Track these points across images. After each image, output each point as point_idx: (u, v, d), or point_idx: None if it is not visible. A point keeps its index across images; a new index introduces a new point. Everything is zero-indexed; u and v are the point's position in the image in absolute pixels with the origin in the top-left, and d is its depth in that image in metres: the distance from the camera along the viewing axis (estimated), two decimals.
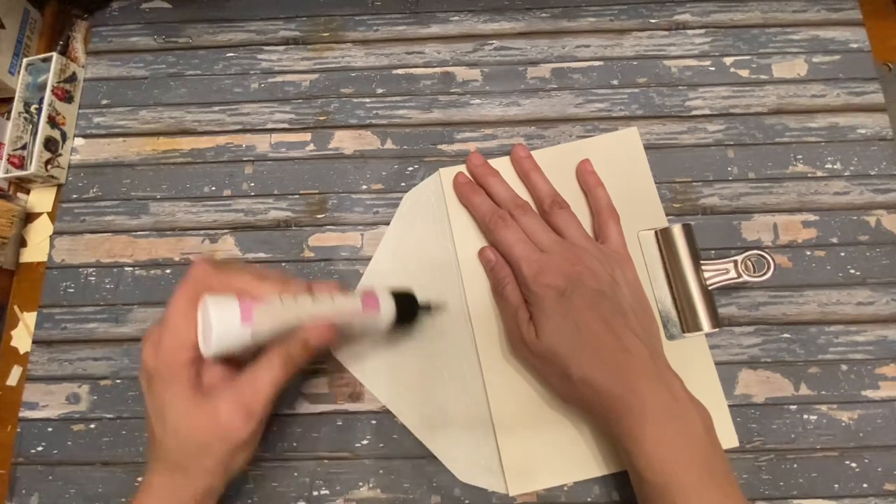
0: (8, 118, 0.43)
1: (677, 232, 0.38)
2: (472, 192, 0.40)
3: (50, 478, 0.37)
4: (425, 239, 0.40)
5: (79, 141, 0.44)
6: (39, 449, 0.38)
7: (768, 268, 0.36)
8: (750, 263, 0.37)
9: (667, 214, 0.40)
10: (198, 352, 0.29)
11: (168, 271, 0.41)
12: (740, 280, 0.36)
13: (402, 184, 0.42)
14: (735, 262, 0.37)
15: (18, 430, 0.38)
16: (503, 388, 0.37)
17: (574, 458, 0.36)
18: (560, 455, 0.36)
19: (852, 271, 0.39)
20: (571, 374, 0.32)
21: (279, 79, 0.45)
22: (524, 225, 0.37)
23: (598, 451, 0.36)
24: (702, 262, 0.37)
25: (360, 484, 0.36)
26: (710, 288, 0.37)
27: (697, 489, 0.29)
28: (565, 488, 0.36)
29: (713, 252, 0.40)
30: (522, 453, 0.36)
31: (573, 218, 0.37)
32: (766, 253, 0.37)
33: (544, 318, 0.33)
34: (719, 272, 0.37)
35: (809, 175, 0.41)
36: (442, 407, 0.37)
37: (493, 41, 0.45)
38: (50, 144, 0.42)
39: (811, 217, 0.40)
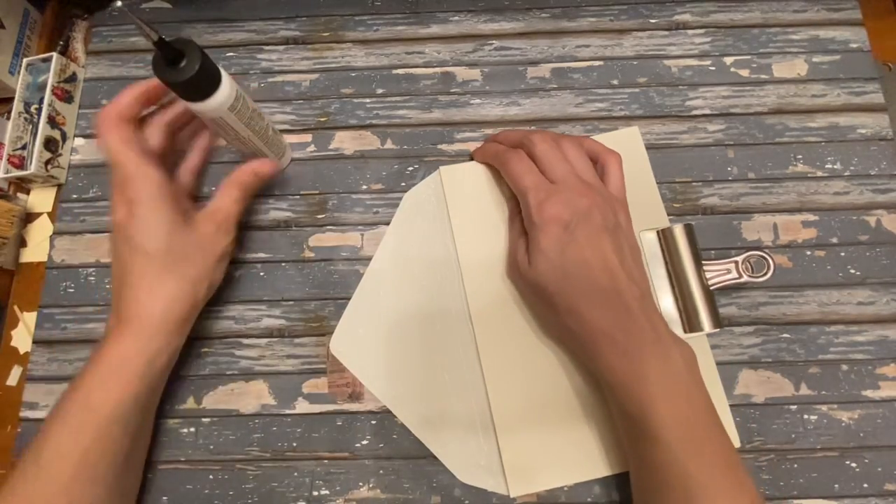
0: (8, 118, 0.43)
1: (679, 232, 0.38)
2: (487, 144, 0.41)
3: None
4: (425, 239, 0.40)
5: (79, 141, 0.44)
6: None
7: (768, 268, 0.37)
8: (750, 264, 0.37)
9: (667, 214, 0.40)
10: (169, 188, 0.33)
11: None
12: (741, 280, 0.37)
13: (402, 184, 0.42)
14: (736, 262, 0.37)
15: (19, 430, 0.38)
16: (504, 388, 0.37)
17: (575, 458, 0.36)
18: (561, 456, 0.36)
19: (852, 271, 0.39)
20: (557, 305, 0.33)
21: (279, 79, 0.45)
22: (540, 152, 0.36)
23: (599, 451, 0.36)
24: (703, 262, 0.37)
25: (360, 484, 0.36)
26: (711, 288, 0.37)
27: (675, 420, 0.29)
28: (565, 489, 0.36)
29: (713, 252, 0.40)
30: (523, 453, 0.36)
31: (583, 153, 0.36)
32: (767, 253, 0.37)
33: (540, 248, 0.33)
34: (720, 272, 0.37)
35: (809, 175, 0.41)
36: (442, 407, 0.37)
37: (493, 41, 0.45)
38: (50, 144, 0.42)
39: (811, 217, 0.40)
